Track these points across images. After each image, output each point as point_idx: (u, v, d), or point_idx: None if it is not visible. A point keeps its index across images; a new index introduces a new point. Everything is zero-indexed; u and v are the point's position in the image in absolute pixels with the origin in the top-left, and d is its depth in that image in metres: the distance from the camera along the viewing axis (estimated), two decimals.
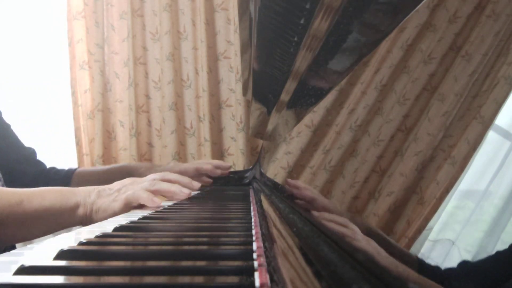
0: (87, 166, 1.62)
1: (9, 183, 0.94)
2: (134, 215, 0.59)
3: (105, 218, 0.67)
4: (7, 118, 1.07)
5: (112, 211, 0.69)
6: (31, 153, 1.06)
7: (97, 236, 0.40)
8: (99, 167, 1.12)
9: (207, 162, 1.11)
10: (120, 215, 0.66)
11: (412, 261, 0.23)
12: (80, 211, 0.68)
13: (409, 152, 0.27)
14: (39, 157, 1.12)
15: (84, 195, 0.69)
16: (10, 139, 1.00)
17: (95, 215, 0.69)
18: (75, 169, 1.09)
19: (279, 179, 0.75)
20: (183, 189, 0.77)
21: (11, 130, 1.04)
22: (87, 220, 0.69)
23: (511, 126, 0.21)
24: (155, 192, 0.74)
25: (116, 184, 0.74)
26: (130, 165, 1.08)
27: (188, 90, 1.67)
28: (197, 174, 1.07)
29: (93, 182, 1.04)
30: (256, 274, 0.27)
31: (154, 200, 0.69)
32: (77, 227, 0.69)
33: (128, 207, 0.70)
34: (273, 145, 0.98)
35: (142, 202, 0.69)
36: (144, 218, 0.55)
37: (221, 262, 0.30)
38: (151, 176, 0.76)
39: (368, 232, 0.29)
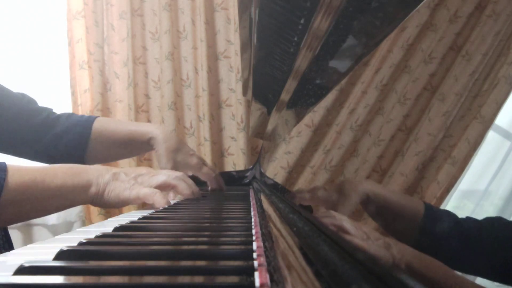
0: None
1: (20, 145, 0.92)
2: (134, 215, 0.59)
3: (116, 203, 0.69)
4: None
5: (125, 197, 0.69)
6: (29, 102, 0.97)
7: (97, 236, 0.40)
8: (121, 126, 1.01)
9: (218, 179, 1.07)
10: (120, 215, 0.66)
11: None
12: (92, 189, 0.68)
13: (409, 152, 0.27)
14: None
15: (97, 174, 0.69)
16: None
17: (107, 195, 0.69)
18: (95, 119, 0.99)
19: (279, 179, 0.75)
20: (196, 196, 0.79)
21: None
22: (98, 199, 0.69)
23: (511, 126, 0.21)
24: (171, 186, 0.75)
25: (132, 171, 0.74)
26: (155, 137, 0.97)
27: (188, 89, 1.67)
28: (212, 183, 1.05)
29: (113, 141, 0.98)
30: (256, 274, 0.26)
31: (169, 201, 0.70)
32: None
33: (140, 201, 0.70)
34: (273, 145, 0.98)
35: (158, 206, 0.69)
36: (144, 218, 0.55)
37: (221, 262, 0.29)
38: (169, 172, 0.77)
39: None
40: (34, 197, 0.62)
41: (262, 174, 1.15)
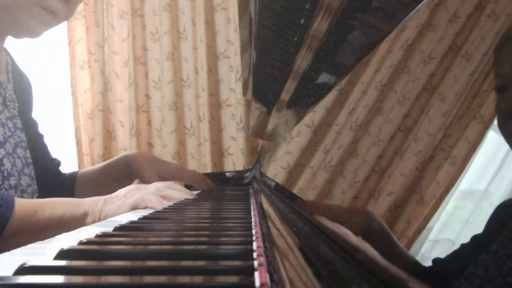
0: (87, 166, 1.62)
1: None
2: (134, 215, 0.59)
3: None
4: None
5: (121, 213, 0.71)
6: (55, 164, 1.06)
7: (97, 236, 0.40)
8: (98, 165, 1.11)
9: (205, 180, 1.08)
10: (120, 215, 0.66)
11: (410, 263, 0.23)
12: (89, 219, 0.70)
13: (409, 152, 0.27)
14: None
15: (92, 204, 0.72)
16: (40, 149, 1.01)
17: (104, 220, 0.71)
18: (77, 172, 1.09)
19: (279, 179, 0.75)
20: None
21: (43, 142, 1.05)
22: None
23: None
24: (163, 198, 0.76)
25: (122, 191, 0.76)
26: (128, 156, 1.04)
27: (188, 89, 1.67)
28: (200, 184, 1.06)
29: (95, 179, 1.04)
30: (256, 274, 0.27)
31: (164, 204, 0.71)
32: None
33: (135, 209, 0.72)
34: (273, 145, 0.98)
35: (151, 205, 0.70)
36: (144, 218, 0.55)
37: (221, 262, 0.30)
38: (156, 185, 0.79)
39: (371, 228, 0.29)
40: (34, 228, 0.65)
41: (262, 174, 1.15)
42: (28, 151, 0.90)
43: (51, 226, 0.66)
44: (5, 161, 0.78)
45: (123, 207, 0.71)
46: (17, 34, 0.85)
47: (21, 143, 0.88)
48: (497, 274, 0.17)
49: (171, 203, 0.74)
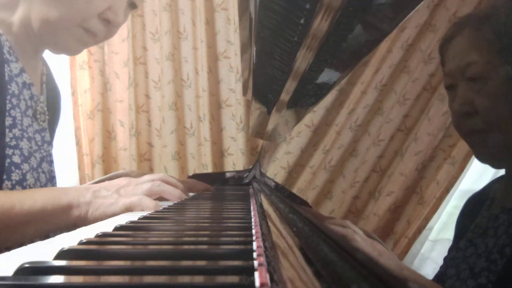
0: (87, 166, 1.62)
1: None
2: (134, 215, 0.59)
3: (102, 220, 0.65)
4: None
5: (112, 213, 0.67)
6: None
7: (97, 236, 0.40)
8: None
9: (198, 182, 1.06)
10: (120, 215, 0.66)
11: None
12: (74, 211, 0.67)
13: (409, 152, 0.27)
14: None
15: (77, 195, 0.68)
16: None
17: (91, 215, 0.68)
18: None
19: (279, 179, 0.75)
20: (183, 195, 0.78)
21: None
22: (81, 220, 0.67)
23: None
24: (159, 193, 0.74)
25: (112, 185, 0.72)
26: (118, 174, 1.01)
27: (188, 90, 1.67)
28: (195, 189, 1.04)
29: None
30: (256, 274, 0.27)
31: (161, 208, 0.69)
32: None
33: (129, 211, 0.69)
34: (273, 145, 0.98)
35: (147, 211, 0.67)
36: (144, 218, 0.55)
37: (221, 262, 0.29)
38: (149, 177, 0.76)
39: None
40: (13, 223, 0.61)
41: (262, 174, 1.15)
42: (53, 166, 0.88)
43: (33, 219, 0.63)
44: (28, 176, 0.75)
45: (116, 206, 0.68)
46: (55, 50, 0.84)
47: (47, 157, 0.86)
48: (469, 273, 0.17)
49: (170, 203, 0.73)
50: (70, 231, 0.46)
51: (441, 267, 0.20)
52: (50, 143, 0.89)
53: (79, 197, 0.68)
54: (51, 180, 0.86)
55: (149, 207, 0.68)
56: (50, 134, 0.90)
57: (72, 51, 0.84)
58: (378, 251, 0.26)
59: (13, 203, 0.62)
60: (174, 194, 0.76)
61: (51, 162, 0.88)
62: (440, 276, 0.18)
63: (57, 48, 0.83)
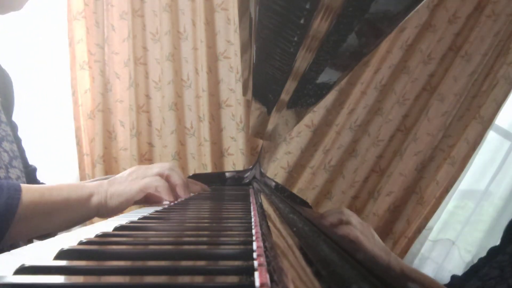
0: (88, 166, 1.62)
1: None
2: (134, 215, 0.59)
3: (120, 203, 0.73)
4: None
5: (128, 194, 0.73)
6: (31, 171, 1.05)
7: (97, 236, 0.40)
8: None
9: (195, 183, 1.07)
10: (120, 215, 0.66)
11: None
12: (95, 199, 0.72)
13: (408, 152, 0.27)
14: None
15: (97, 185, 0.74)
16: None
17: (110, 200, 0.73)
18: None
19: (279, 179, 0.75)
20: (171, 198, 0.79)
21: (21, 146, 1.04)
22: (102, 207, 0.72)
23: (511, 126, 0.21)
24: (166, 176, 0.78)
25: (124, 173, 0.78)
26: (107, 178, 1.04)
27: (188, 90, 1.67)
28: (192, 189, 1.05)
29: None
30: (256, 274, 0.27)
31: (170, 192, 0.74)
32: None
33: (143, 192, 0.74)
34: (273, 145, 0.98)
35: (159, 190, 0.73)
36: (144, 218, 0.55)
37: (221, 262, 0.30)
38: (159, 164, 0.81)
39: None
40: (42, 211, 0.66)
41: (262, 174, 1.15)
42: (14, 145, 0.89)
43: (58, 208, 0.68)
44: None
45: (131, 187, 0.73)
46: (1, 9, 0.85)
47: (7, 136, 0.87)
48: None
49: (175, 202, 0.75)
50: (88, 226, 0.47)
51: (472, 266, 0.20)
52: (7, 124, 0.90)
53: (98, 187, 0.73)
54: (15, 158, 0.86)
55: (160, 186, 0.74)
56: (6, 116, 0.91)
57: (16, 4, 0.85)
58: (375, 240, 0.26)
59: (42, 192, 0.66)
60: (179, 183, 0.80)
61: (12, 142, 0.89)
62: (482, 277, 0.18)
63: (3, 6, 0.84)
